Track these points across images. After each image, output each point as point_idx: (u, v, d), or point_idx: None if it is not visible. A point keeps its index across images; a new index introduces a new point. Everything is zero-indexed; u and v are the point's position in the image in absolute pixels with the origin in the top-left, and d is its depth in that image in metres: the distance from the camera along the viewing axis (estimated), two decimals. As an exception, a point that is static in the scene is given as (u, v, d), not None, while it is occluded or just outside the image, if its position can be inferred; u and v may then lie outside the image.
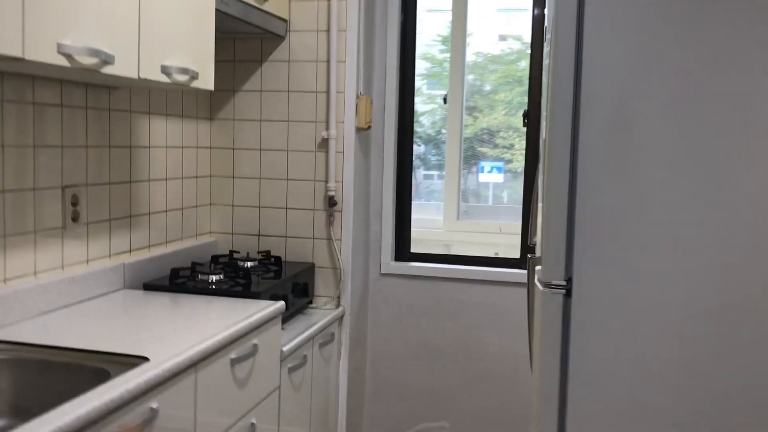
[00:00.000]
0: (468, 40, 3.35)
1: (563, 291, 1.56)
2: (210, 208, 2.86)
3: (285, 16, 2.71)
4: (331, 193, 2.74)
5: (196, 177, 2.75)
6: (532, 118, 2.93)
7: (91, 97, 2.09)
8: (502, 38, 3.83)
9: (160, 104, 2.47)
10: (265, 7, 2.53)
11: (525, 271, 2.09)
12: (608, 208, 1.51)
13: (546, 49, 1.67)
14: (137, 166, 2.36)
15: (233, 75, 2.82)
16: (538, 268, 1.66)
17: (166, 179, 2.53)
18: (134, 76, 1.77)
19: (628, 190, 1.51)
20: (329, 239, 2.77)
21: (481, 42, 3.62)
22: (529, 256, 1.83)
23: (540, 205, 1.68)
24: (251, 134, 2.81)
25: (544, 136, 1.67)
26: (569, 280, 1.56)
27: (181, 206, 2.64)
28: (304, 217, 2.79)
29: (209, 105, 2.82)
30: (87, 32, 1.58)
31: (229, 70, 2.82)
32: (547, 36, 1.64)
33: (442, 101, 3.32)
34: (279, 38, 2.75)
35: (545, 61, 1.69)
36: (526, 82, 3.00)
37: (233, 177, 2.85)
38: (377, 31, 2.99)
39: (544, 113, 1.75)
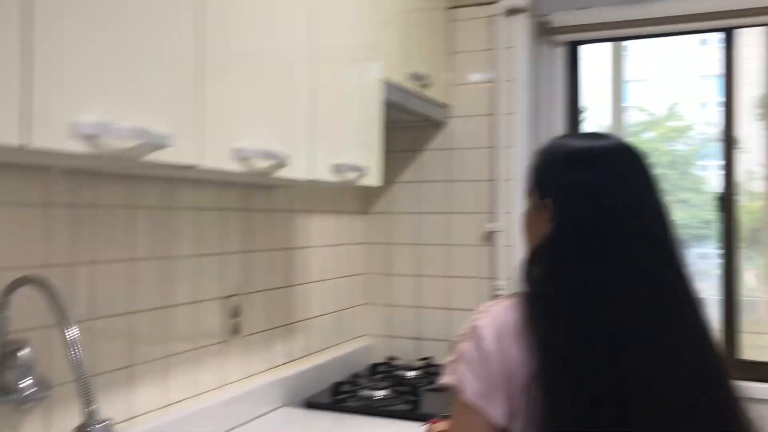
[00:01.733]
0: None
1: None
2: (364, 308, 2.64)
3: (447, 101, 2.52)
4: (499, 292, 2.45)
5: (351, 276, 2.55)
6: None
7: (250, 198, 1.94)
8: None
9: (317, 201, 2.32)
10: (427, 93, 2.35)
11: None
12: None
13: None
14: (296, 269, 2.18)
15: (388, 166, 2.64)
16: None
17: (323, 280, 2.34)
18: (305, 177, 1.60)
19: None
20: (498, 344, 2.46)
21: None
22: None
23: None
24: (408, 228, 2.60)
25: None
26: None
27: (337, 308, 2.44)
28: (469, 317, 2.50)
29: (364, 199, 2.65)
30: (262, 134, 1.42)
31: (385, 161, 2.64)
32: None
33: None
34: (438, 125, 2.56)
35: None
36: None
37: (389, 274, 2.63)
38: (542, 113, 2.74)
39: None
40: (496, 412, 1.01)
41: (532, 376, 0.98)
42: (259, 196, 1.99)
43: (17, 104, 0.90)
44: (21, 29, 0.90)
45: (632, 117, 3.43)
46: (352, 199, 2.57)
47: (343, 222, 2.50)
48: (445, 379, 1.08)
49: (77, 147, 0.98)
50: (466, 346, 1.06)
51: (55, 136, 0.95)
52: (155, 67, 1.14)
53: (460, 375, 1.05)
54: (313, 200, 2.29)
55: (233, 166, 1.33)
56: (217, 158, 1.29)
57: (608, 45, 3.05)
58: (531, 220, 1.17)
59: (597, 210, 1.07)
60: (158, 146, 1.13)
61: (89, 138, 1.00)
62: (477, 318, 1.09)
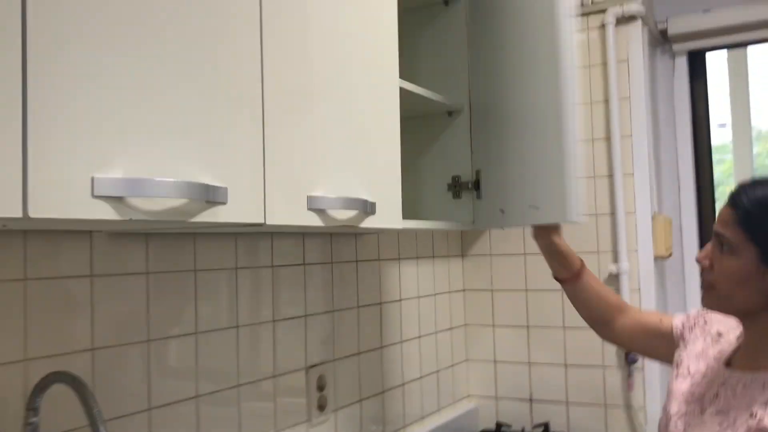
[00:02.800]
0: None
1: None
2: (466, 365, 2.32)
3: (551, 126, 2.20)
4: (627, 346, 2.08)
5: (450, 329, 2.24)
6: None
7: (333, 248, 1.68)
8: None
9: (408, 245, 2.03)
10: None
11: None
12: None
13: None
14: (387, 326, 1.90)
15: (488, 202, 2.33)
16: None
17: (418, 337, 2.05)
18: (397, 226, 1.32)
19: None
20: (629, 407, 2.08)
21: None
22: None
23: None
24: (513, 271, 2.27)
25: None
26: None
27: (435, 368, 2.13)
28: (591, 376, 2.14)
29: (460, 239, 2.35)
30: (341, 180, 1.16)
31: (483, 197, 2.34)
32: None
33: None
34: (543, 153, 2.24)
35: None
36: None
37: (493, 325, 2.31)
38: (664, 134, 2.38)
39: None
40: None
41: None
42: (343, 245, 1.73)
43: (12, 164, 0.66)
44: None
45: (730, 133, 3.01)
46: (447, 240, 2.28)
47: (438, 267, 2.21)
48: None
49: (96, 213, 0.74)
50: None
51: (62, 202, 0.70)
52: (203, 101, 0.89)
53: None
54: (402, 245, 2.01)
55: (308, 220, 1.07)
56: (288, 213, 1.03)
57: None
58: (745, 277, 1.08)
59: None
60: (212, 203, 0.88)
61: (113, 201, 0.75)
62: None
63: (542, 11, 1.53)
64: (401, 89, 1.42)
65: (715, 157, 2.46)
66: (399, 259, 1.98)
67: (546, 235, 1.50)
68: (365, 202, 1.18)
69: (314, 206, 1.07)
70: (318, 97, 1.11)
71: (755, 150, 2.92)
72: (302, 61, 1.07)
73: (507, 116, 1.61)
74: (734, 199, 1.10)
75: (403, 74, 1.74)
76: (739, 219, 1.08)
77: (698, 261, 1.17)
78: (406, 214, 1.71)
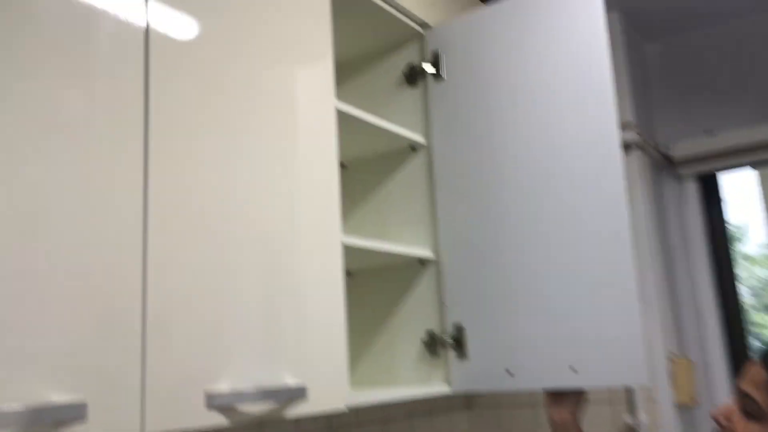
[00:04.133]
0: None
1: None
2: None
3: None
4: None
5: (456, 494, 2.01)
6: None
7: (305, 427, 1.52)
8: None
9: (399, 404, 1.85)
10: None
11: None
12: None
13: None
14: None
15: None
16: None
17: (414, 508, 1.83)
18: (340, 405, 1.17)
19: None
20: None
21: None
22: None
23: None
24: (526, 425, 2.05)
25: None
26: None
27: None
28: None
29: (465, 389, 2.15)
30: (255, 365, 1.03)
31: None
32: None
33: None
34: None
35: None
36: None
37: (506, 488, 2.06)
38: (679, 264, 2.19)
39: None
40: None
41: None
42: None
43: None
44: None
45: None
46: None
47: (439, 425, 2.01)
48: None
49: None
50: None
51: None
52: (50, 291, 0.80)
53: None
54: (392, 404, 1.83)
55: (208, 420, 0.94)
56: (177, 416, 0.90)
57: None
58: None
59: None
60: (65, 422, 0.76)
61: None
62: None
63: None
64: (353, 247, 1.32)
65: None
66: (389, 421, 1.80)
67: (567, 406, 1.33)
68: (289, 389, 1.04)
69: (215, 404, 0.94)
70: (223, 271, 1.01)
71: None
72: (192, 223, 0.98)
73: (504, 263, 1.47)
74: None
75: (371, 224, 1.66)
76: None
77: (713, 418, 1.03)
78: (380, 378, 1.57)
